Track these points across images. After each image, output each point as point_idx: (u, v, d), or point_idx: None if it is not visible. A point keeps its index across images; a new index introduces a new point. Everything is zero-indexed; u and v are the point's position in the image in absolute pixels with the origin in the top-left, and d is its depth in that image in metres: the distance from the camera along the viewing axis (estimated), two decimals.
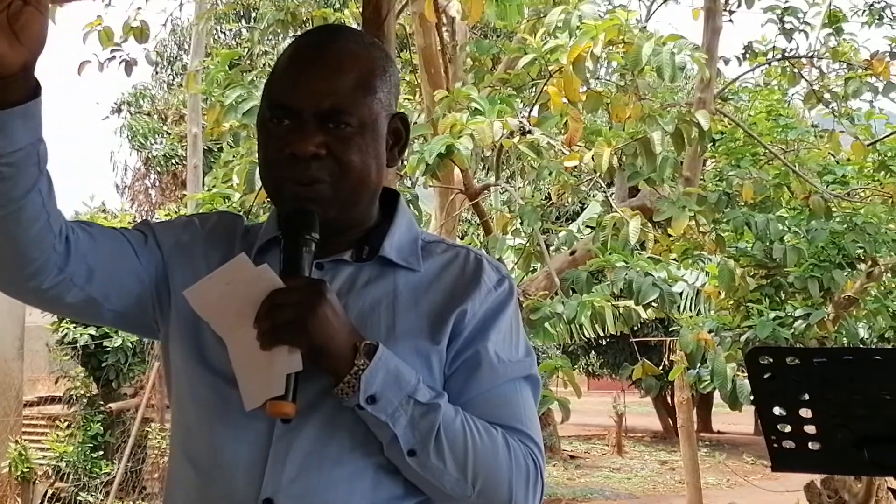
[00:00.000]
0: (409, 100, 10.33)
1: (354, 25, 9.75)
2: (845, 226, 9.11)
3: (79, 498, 14.69)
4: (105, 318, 2.19)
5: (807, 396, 2.70)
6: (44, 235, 2.01)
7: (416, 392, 1.96)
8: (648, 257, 8.24)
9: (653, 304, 7.71)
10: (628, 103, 7.63)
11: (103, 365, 15.57)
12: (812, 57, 10.27)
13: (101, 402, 15.65)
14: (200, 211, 8.49)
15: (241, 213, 2.45)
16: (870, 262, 9.73)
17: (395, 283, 2.12)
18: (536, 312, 7.57)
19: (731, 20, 10.13)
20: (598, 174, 8.05)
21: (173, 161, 28.78)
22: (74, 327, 15.61)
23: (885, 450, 2.62)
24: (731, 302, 9.71)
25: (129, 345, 15.52)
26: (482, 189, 8.92)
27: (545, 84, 7.66)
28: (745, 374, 7.21)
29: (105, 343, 15.56)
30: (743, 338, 9.11)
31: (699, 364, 8.52)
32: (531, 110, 8.28)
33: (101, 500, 14.72)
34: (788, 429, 2.74)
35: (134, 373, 16.02)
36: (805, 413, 2.70)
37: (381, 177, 2.13)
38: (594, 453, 26.63)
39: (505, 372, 2.09)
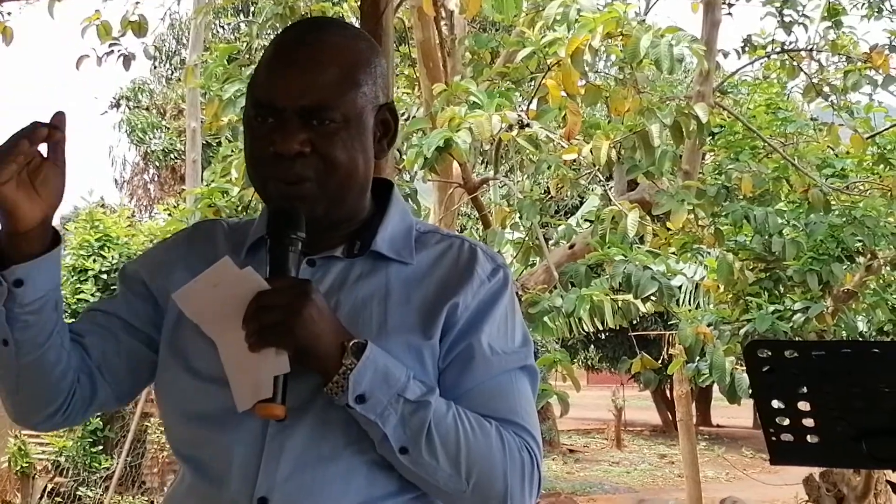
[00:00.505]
0: (407, 93, 10.34)
1: (353, 19, 9.77)
2: (844, 219, 9.10)
3: (78, 493, 14.69)
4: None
5: (805, 389, 2.69)
6: (66, 373, 2.11)
7: (406, 390, 1.94)
8: (647, 251, 8.23)
9: (651, 297, 7.71)
10: (627, 96, 7.63)
11: None
12: (811, 50, 10.26)
13: None
14: (199, 206, 8.50)
15: (220, 219, 2.44)
16: (869, 256, 9.72)
17: (387, 277, 2.10)
18: (535, 306, 7.56)
19: (730, 13, 10.14)
20: (596, 168, 8.05)
21: (172, 156, 28.80)
22: (73, 322, 15.62)
23: (883, 443, 2.62)
24: (730, 295, 9.70)
25: None
26: (481, 183, 8.93)
27: (543, 77, 7.66)
28: (744, 368, 7.21)
29: None
30: (742, 331, 9.09)
31: (698, 358, 8.53)
32: (530, 104, 8.28)
33: (101, 494, 14.73)
34: (787, 422, 2.73)
35: None
36: (804, 406, 2.69)
37: (369, 170, 2.10)
38: (593, 447, 26.69)
39: (499, 364, 2.07)
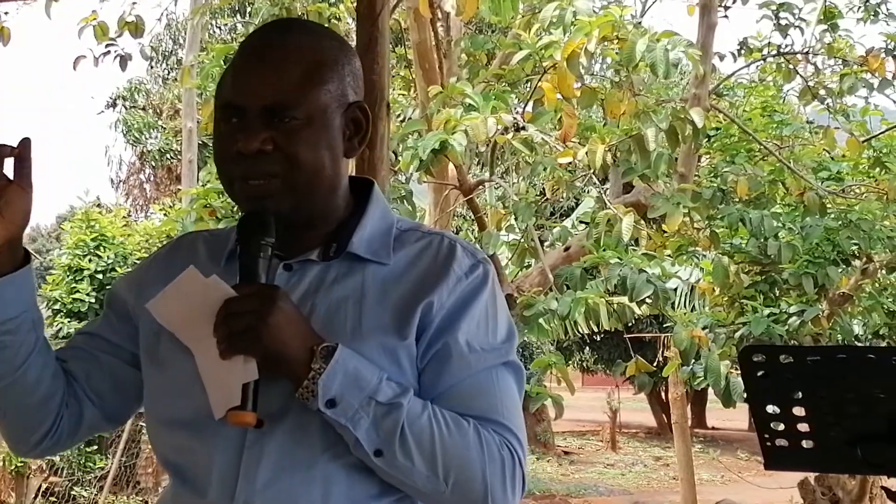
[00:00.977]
0: (403, 95, 10.33)
1: (349, 20, 9.77)
2: (840, 222, 9.11)
3: (73, 492, 14.69)
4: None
5: (800, 395, 2.69)
6: (51, 396, 2.14)
7: (378, 392, 1.93)
8: (643, 253, 8.23)
9: (647, 300, 7.72)
10: (623, 99, 7.65)
11: None
12: (807, 53, 10.27)
13: None
14: (195, 206, 8.52)
15: (201, 230, 2.44)
16: (864, 259, 9.74)
17: (363, 278, 2.08)
18: (530, 309, 7.57)
19: (726, 16, 10.15)
20: (592, 170, 8.05)
21: (168, 156, 28.80)
22: (69, 321, 15.59)
23: (878, 448, 2.62)
24: (726, 298, 9.71)
25: None
26: (476, 185, 8.93)
27: (539, 80, 7.67)
28: (739, 372, 7.22)
29: None
30: (737, 334, 9.11)
31: (693, 361, 8.53)
32: (525, 106, 8.28)
33: (95, 494, 14.73)
34: (782, 427, 2.73)
35: None
36: (798, 411, 2.69)
37: (338, 167, 2.09)
38: (588, 449, 26.69)
39: (478, 361, 2.05)
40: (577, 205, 15.81)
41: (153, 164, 29.94)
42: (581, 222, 11.57)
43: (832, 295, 9.65)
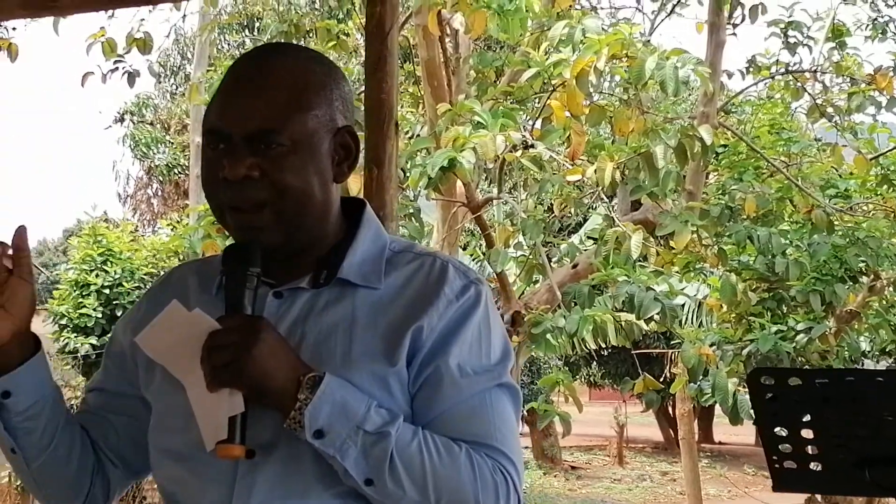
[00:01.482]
0: (412, 112, 10.34)
1: (358, 37, 9.80)
2: (847, 240, 9.13)
3: None
4: None
5: (808, 417, 2.71)
6: (84, 465, 2.16)
7: (366, 421, 1.90)
8: (651, 271, 8.25)
9: (654, 318, 7.73)
10: (631, 117, 7.65)
11: None
12: (815, 71, 10.29)
13: None
14: (202, 223, 8.53)
15: (192, 261, 2.43)
16: (872, 276, 9.74)
17: (353, 304, 2.04)
18: (538, 326, 7.58)
19: (734, 34, 10.16)
20: (600, 188, 8.06)
21: (176, 171, 28.77)
22: (75, 336, 15.60)
23: (886, 471, 2.63)
24: (733, 315, 9.71)
25: None
26: (485, 202, 8.94)
27: (548, 97, 7.69)
28: (747, 390, 7.23)
29: None
30: (745, 351, 9.11)
31: (700, 378, 8.54)
32: (534, 123, 8.30)
33: None
34: (790, 449, 2.75)
35: None
36: (807, 433, 2.71)
37: (328, 193, 2.05)
38: (595, 464, 26.62)
39: (471, 385, 2.01)
40: (585, 220, 15.80)
41: (161, 179, 29.92)
42: (589, 237, 11.58)
43: (839, 312, 9.65)
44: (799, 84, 10.35)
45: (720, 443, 29.63)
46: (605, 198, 8.92)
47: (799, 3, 10.20)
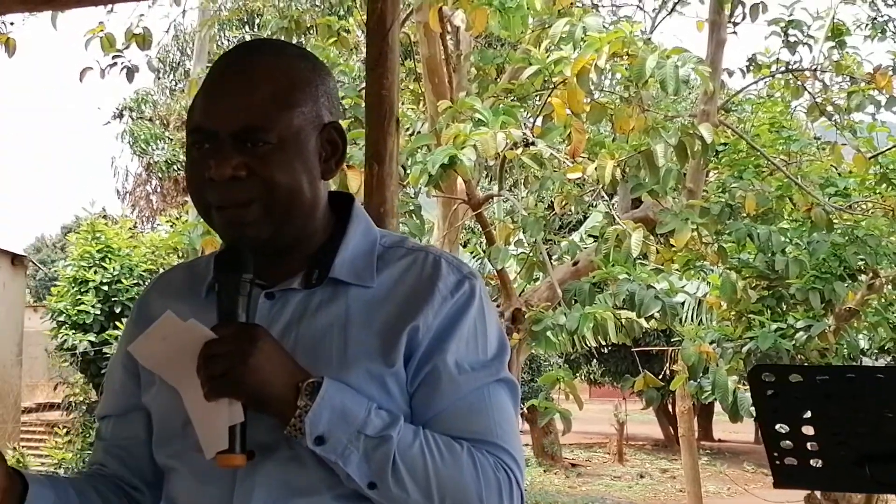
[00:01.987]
0: (412, 109, 10.34)
1: (359, 33, 9.80)
2: (847, 238, 9.14)
3: None
4: None
5: (809, 414, 2.71)
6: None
7: (366, 425, 1.89)
8: (651, 268, 8.25)
9: (654, 316, 7.73)
10: (632, 115, 7.65)
11: (103, 371, 15.44)
12: (815, 70, 10.30)
13: None
14: (201, 220, 8.50)
15: (181, 263, 2.42)
16: (871, 275, 9.75)
17: (346, 303, 2.03)
18: (539, 324, 7.59)
19: (735, 32, 10.17)
20: (601, 185, 8.06)
21: (175, 167, 28.75)
22: (74, 333, 15.60)
23: (886, 467, 2.63)
24: (733, 313, 9.72)
25: None
26: (485, 199, 8.95)
27: (549, 95, 7.68)
28: (747, 387, 7.22)
29: (105, 350, 15.52)
30: (745, 349, 9.12)
31: (700, 375, 8.54)
32: (535, 121, 8.30)
33: None
34: (791, 445, 2.75)
35: None
36: (807, 430, 2.71)
37: (316, 190, 2.04)
38: (595, 461, 26.63)
39: (469, 381, 2.00)
40: (586, 217, 15.80)
41: (160, 175, 29.93)
42: (589, 235, 11.58)
43: (839, 310, 9.66)
44: (799, 83, 10.35)
45: (720, 440, 29.67)
46: (605, 195, 8.93)
47: (799, 2, 10.24)
